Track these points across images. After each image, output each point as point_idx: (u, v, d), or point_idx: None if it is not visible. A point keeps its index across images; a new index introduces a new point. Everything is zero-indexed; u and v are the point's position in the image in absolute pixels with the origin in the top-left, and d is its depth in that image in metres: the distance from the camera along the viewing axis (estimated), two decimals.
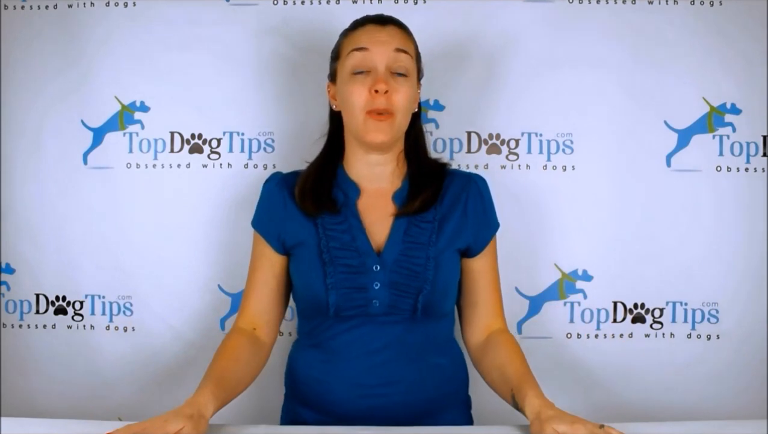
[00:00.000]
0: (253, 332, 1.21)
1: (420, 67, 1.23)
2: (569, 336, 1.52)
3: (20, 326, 1.57)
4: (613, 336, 1.52)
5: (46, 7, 1.53)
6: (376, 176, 1.22)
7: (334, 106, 1.23)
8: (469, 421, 1.27)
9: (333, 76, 1.23)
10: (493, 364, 1.18)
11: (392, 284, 1.15)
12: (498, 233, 1.27)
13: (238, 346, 1.18)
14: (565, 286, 1.52)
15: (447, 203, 1.21)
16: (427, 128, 1.47)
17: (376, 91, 1.13)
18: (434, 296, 1.16)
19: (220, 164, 1.53)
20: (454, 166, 1.34)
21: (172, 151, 1.53)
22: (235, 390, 1.13)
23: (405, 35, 1.20)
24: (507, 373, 1.14)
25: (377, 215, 1.20)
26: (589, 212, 1.51)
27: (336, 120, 1.25)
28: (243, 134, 1.53)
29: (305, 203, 1.19)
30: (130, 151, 1.53)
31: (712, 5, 1.49)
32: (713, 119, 1.50)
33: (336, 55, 1.22)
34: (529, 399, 1.06)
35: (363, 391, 1.15)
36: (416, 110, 1.24)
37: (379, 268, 1.15)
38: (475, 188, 1.23)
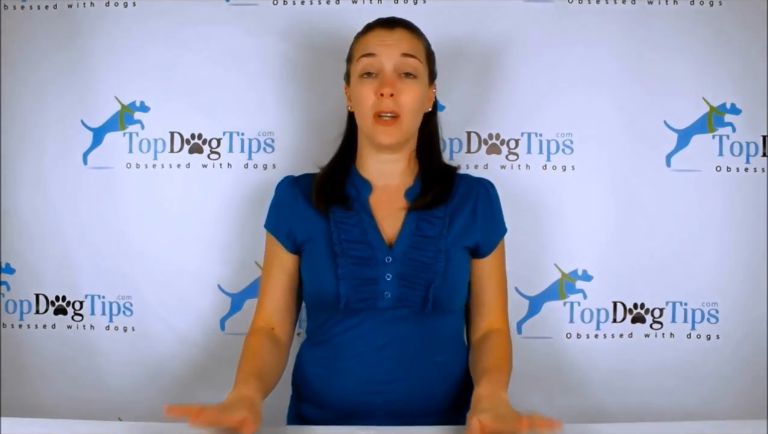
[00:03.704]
0: (272, 331, 1.22)
1: (433, 67, 1.24)
2: (569, 336, 1.52)
3: (20, 326, 1.57)
4: (613, 336, 1.52)
5: (46, 7, 1.53)
6: (387, 174, 1.23)
7: (349, 108, 1.25)
8: None
9: (347, 77, 1.25)
10: (473, 360, 1.20)
11: (403, 277, 1.16)
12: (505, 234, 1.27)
13: (262, 345, 1.19)
14: (565, 286, 1.52)
15: (456, 202, 1.23)
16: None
17: (382, 95, 1.15)
18: (444, 289, 1.17)
19: (220, 164, 1.53)
20: (455, 166, 1.34)
21: (172, 151, 1.53)
22: (269, 386, 1.13)
23: (414, 38, 1.21)
24: (477, 368, 1.15)
25: (389, 210, 1.21)
26: (589, 212, 1.51)
27: (352, 120, 1.26)
28: (243, 134, 1.53)
29: (318, 196, 1.21)
30: (130, 151, 1.53)
31: (712, 5, 1.49)
32: (713, 119, 1.50)
33: (349, 58, 1.24)
34: (476, 390, 1.06)
35: (366, 387, 1.16)
36: (430, 109, 1.25)
37: (390, 260, 1.16)
38: (484, 191, 1.25)
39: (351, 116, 1.27)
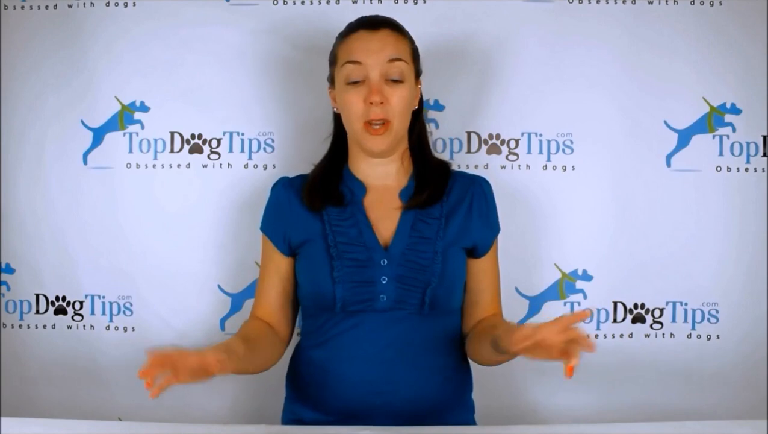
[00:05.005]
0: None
1: (418, 66, 1.23)
2: None
3: (20, 326, 1.57)
4: (613, 336, 1.52)
5: (46, 7, 1.53)
6: (381, 175, 1.23)
7: (335, 109, 1.24)
8: (472, 425, 1.27)
9: (332, 80, 1.23)
10: (476, 334, 1.20)
11: (399, 278, 1.15)
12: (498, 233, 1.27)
13: (258, 327, 1.21)
14: (565, 286, 1.52)
15: (452, 202, 1.22)
16: (428, 127, 1.48)
17: (371, 103, 1.14)
18: (441, 290, 1.16)
19: (220, 164, 1.53)
20: (455, 166, 1.34)
21: (172, 151, 1.53)
22: (253, 360, 1.14)
23: (398, 39, 1.19)
24: (485, 330, 1.17)
25: (384, 211, 1.20)
26: (589, 212, 1.51)
27: (339, 122, 1.25)
28: (243, 134, 1.53)
29: (312, 197, 1.20)
30: (130, 151, 1.53)
31: (712, 5, 1.49)
32: (713, 119, 1.50)
33: (332, 61, 1.22)
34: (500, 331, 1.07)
35: (366, 390, 1.15)
36: (417, 107, 1.24)
37: (386, 262, 1.16)
38: (480, 189, 1.24)
39: (336, 118, 1.26)
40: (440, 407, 1.19)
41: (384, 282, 1.15)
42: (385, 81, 1.15)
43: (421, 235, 1.18)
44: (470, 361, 1.26)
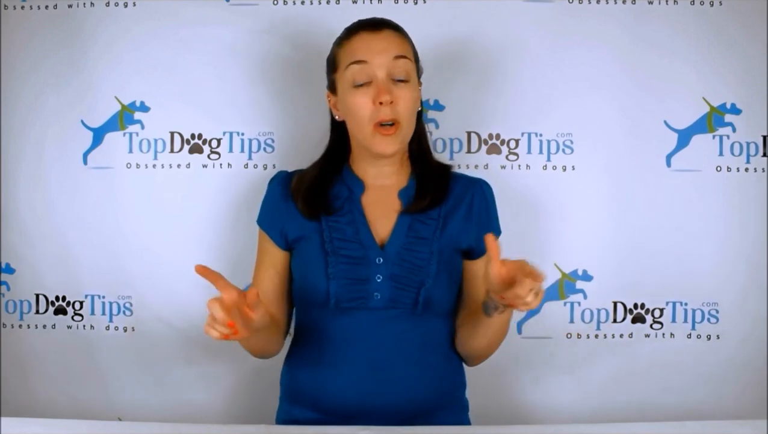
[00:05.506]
0: None
1: (419, 66, 1.23)
2: (569, 336, 1.52)
3: (20, 326, 1.57)
4: (613, 336, 1.52)
5: (46, 7, 1.53)
6: (381, 174, 1.22)
7: (337, 117, 1.23)
8: (466, 424, 1.27)
9: (332, 87, 1.22)
10: (465, 315, 1.21)
11: (394, 278, 1.15)
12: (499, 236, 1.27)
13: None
14: (565, 286, 1.52)
15: (451, 204, 1.21)
16: (428, 128, 1.48)
17: (381, 103, 1.13)
18: (436, 290, 1.16)
19: (220, 164, 1.53)
20: (455, 166, 1.33)
21: (172, 151, 1.53)
22: (263, 334, 1.11)
23: (401, 38, 1.18)
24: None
25: (382, 211, 1.20)
26: (589, 212, 1.51)
27: (338, 128, 1.24)
28: (243, 134, 1.53)
29: (300, 205, 1.20)
30: (130, 151, 1.53)
31: (712, 5, 1.49)
32: (713, 119, 1.50)
33: (333, 67, 1.21)
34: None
35: (361, 389, 1.15)
36: (419, 108, 1.24)
37: (381, 261, 1.16)
38: (480, 191, 1.24)
39: (335, 125, 1.24)
40: (434, 406, 1.18)
41: (378, 280, 1.15)
42: (391, 82, 1.15)
43: (417, 235, 1.18)
44: (463, 360, 1.26)
